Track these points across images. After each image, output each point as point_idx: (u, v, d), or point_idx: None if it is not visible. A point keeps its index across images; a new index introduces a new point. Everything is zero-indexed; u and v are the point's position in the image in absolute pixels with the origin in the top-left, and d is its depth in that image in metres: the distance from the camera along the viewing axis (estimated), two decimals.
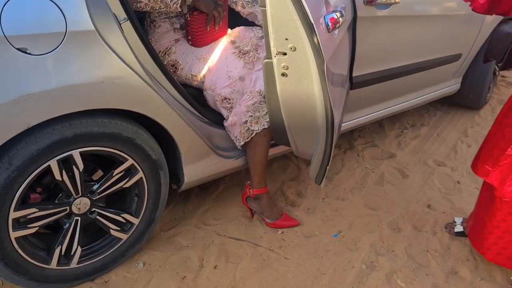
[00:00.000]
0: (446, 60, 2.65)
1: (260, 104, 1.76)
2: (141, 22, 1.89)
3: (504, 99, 3.42)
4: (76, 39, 1.29)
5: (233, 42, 1.85)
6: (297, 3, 1.37)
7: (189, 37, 1.84)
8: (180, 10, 1.74)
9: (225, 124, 1.84)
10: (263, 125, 1.79)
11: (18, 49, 1.21)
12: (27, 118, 1.28)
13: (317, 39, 1.41)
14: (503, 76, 3.81)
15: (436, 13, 2.38)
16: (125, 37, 1.42)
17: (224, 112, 1.84)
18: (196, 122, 1.76)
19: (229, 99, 1.80)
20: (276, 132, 1.79)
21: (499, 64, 3.29)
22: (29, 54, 1.23)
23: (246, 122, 1.78)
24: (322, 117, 1.58)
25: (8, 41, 1.19)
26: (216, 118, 1.86)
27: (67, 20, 1.26)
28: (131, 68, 1.42)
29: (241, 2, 1.98)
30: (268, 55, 1.54)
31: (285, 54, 1.49)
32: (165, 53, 1.85)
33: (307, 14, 1.38)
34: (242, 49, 1.82)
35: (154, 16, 1.85)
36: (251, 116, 1.77)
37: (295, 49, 1.46)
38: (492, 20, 2.79)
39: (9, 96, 1.23)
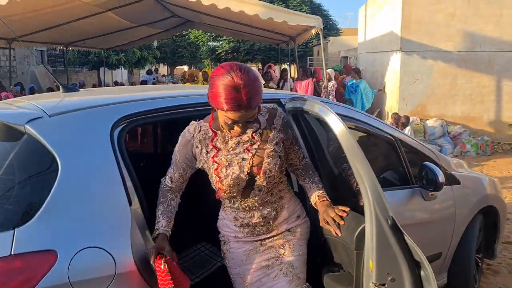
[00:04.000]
0: (429, 260, 2.97)
1: None
2: None
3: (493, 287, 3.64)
4: (122, 279, 1.64)
5: None
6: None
7: None
8: None
9: None
10: None
11: None
12: None
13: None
14: (488, 265, 4.08)
15: (412, 221, 2.80)
16: None
17: None
18: None
19: None
20: None
21: (480, 255, 3.61)
22: None
23: None
24: None
25: (71, 285, 1.53)
26: None
27: (116, 264, 1.63)
28: None
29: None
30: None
31: (384, 284, 1.73)
32: None
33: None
34: None
35: None
36: None
37: (394, 280, 1.73)
38: (463, 218, 3.21)
39: None
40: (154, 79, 19.24)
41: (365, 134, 2.82)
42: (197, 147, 1.87)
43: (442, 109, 9.41)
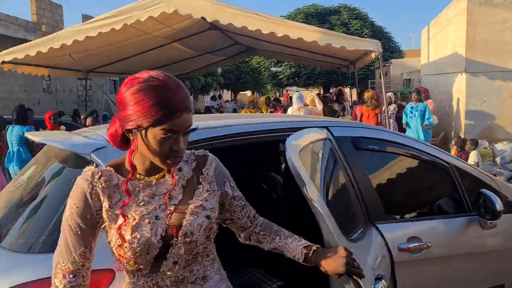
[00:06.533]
0: None
1: None
2: None
3: None
4: None
5: None
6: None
7: None
8: None
9: None
10: None
11: None
12: None
13: None
14: None
15: (469, 250, 2.71)
16: None
17: None
18: None
19: None
20: None
21: None
22: None
23: None
24: None
25: None
26: None
27: None
28: None
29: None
30: None
31: None
32: None
33: None
34: None
35: None
36: None
37: None
38: None
39: None
40: (217, 105, 19.86)
41: (416, 161, 2.79)
42: (98, 199, 1.32)
43: None
